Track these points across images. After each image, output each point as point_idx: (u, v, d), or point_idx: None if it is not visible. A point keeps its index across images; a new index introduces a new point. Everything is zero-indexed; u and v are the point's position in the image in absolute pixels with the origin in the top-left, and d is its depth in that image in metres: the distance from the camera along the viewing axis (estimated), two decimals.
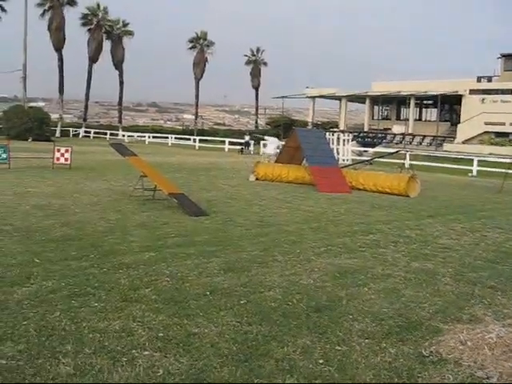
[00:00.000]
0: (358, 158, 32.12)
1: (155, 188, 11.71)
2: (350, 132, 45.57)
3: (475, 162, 29.04)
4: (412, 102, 50.24)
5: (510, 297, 6.04)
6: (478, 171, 28.65)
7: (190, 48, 68.86)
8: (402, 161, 29.79)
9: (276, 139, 29.06)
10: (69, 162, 18.31)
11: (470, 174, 28.46)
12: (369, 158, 24.82)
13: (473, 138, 45.03)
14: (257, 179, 18.22)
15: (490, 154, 37.71)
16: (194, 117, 75.65)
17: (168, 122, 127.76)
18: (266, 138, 30.36)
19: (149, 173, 11.66)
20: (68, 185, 14.07)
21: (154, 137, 53.87)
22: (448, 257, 7.93)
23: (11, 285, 5.42)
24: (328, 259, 7.29)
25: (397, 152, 28.29)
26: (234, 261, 6.85)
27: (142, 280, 5.80)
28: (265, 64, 74.28)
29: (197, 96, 70.09)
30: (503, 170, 26.45)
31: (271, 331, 4.56)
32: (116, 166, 20.89)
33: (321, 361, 4.08)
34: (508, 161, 22.83)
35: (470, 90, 46.52)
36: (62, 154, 18.33)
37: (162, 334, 4.37)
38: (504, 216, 12.82)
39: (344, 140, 33.08)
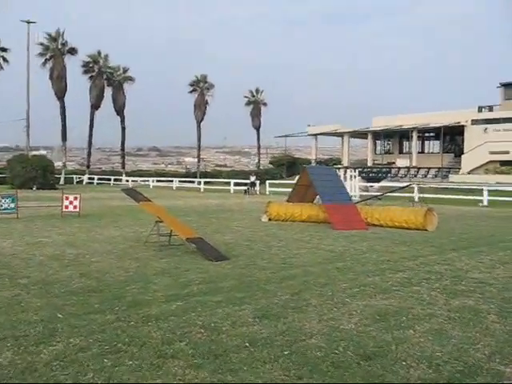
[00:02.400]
0: (365, 193, 31.88)
1: (171, 233, 11.39)
2: (355, 168, 45.46)
3: (485, 192, 28.77)
4: (414, 135, 50.29)
5: None
6: (488, 201, 28.40)
7: (191, 91, 69.66)
8: (411, 194, 29.58)
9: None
10: (78, 210, 18.06)
11: (480, 204, 28.17)
12: (380, 194, 24.51)
13: (478, 167, 44.92)
14: (269, 219, 17.90)
15: (497, 182, 37.52)
16: (195, 159, 75.92)
17: (169, 166, 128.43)
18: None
19: (164, 218, 11.35)
20: (80, 233, 13.77)
21: (157, 181, 53.80)
22: (486, 292, 7.56)
23: (36, 344, 5.07)
24: (363, 301, 6.93)
25: (408, 186, 28.06)
26: (266, 307, 6.49)
27: (174, 333, 5.44)
28: (264, 104, 74.94)
29: (199, 138, 70.46)
30: None
31: None
32: (125, 211, 20.66)
33: None
34: None
35: (472, 121, 46.61)
36: (71, 202, 18.10)
37: None
38: None
39: (351, 176, 32.87)
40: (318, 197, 19.31)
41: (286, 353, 4.89)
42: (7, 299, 6.77)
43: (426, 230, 15.36)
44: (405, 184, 29.83)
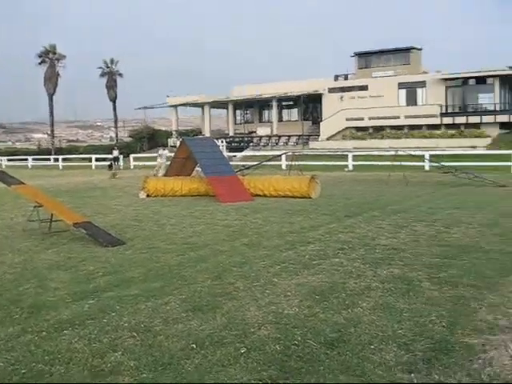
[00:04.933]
0: (230, 163, 31.68)
1: (51, 219, 10.11)
2: (219, 138, 45.19)
3: (350, 158, 29.87)
4: (274, 104, 50.96)
5: (500, 295, 5.65)
6: (353, 166, 29.52)
7: (40, 63, 64.67)
8: (279, 162, 29.86)
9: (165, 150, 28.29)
10: None
11: (346, 170, 29.19)
12: (256, 163, 24.36)
13: (336, 134, 46.61)
14: (148, 196, 16.90)
15: (354, 148, 39.23)
16: (45, 136, 71.18)
17: (17, 143, 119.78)
18: (160, 151, 28.59)
19: (44, 201, 10.03)
20: None
21: (9, 160, 49.50)
22: (404, 258, 7.50)
23: None
24: (291, 279, 6.47)
25: (283, 154, 28.34)
26: (192, 297, 5.79)
27: (101, 341, 4.56)
28: (120, 75, 71.71)
29: (51, 112, 65.86)
30: (375, 163, 27.51)
31: None
32: None
33: None
34: (391, 153, 23.58)
35: (329, 89, 48.11)
36: None
37: None
38: (413, 208, 12.93)
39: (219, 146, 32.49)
40: (196, 169, 18.70)
41: (243, 351, 4.26)
42: None
43: (310, 197, 15.37)
44: (280, 152, 30.05)
